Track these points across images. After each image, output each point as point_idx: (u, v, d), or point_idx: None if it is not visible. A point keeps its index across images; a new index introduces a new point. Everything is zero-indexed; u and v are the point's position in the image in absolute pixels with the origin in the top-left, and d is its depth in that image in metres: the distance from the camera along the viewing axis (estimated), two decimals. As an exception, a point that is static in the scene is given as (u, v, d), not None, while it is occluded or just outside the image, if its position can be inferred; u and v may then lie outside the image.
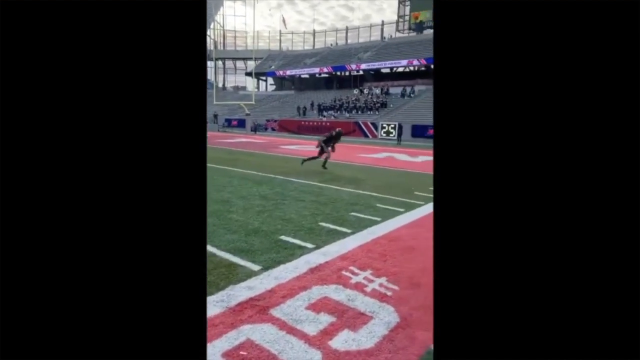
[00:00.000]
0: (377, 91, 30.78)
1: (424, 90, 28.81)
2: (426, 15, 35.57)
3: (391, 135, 22.17)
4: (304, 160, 8.33)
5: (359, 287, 2.51)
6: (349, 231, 3.75)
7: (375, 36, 39.06)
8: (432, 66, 32.29)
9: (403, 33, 37.62)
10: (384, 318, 2.12)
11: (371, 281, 2.62)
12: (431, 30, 34.97)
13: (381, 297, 2.37)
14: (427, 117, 23.64)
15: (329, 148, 8.22)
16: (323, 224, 3.98)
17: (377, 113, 26.72)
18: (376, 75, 34.87)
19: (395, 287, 2.53)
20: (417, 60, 31.16)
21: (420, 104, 26.50)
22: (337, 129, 8.69)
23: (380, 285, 2.56)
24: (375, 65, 33.77)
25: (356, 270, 2.78)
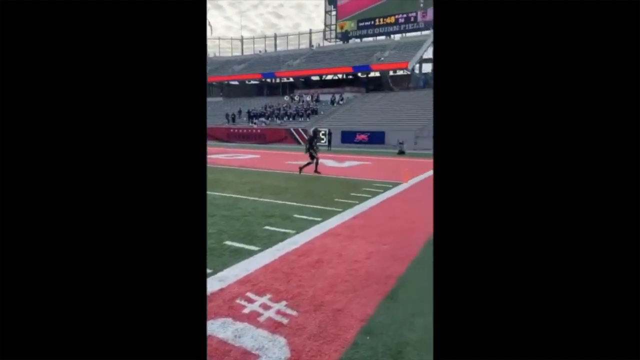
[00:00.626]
0: (308, 98, 31.05)
1: (352, 97, 29.78)
2: (351, 25, 37.00)
3: (322, 141, 22.42)
4: (300, 169, 8.67)
5: (251, 317, 2.19)
6: (256, 249, 3.42)
7: (304, 44, 39.55)
8: (358, 74, 33.83)
9: (330, 42, 38.65)
10: (273, 355, 1.83)
11: (268, 308, 2.31)
12: (357, 40, 36.52)
13: (275, 328, 2.08)
14: (355, 123, 24.39)
15: (313, 151, 8.52)
16: (229, 242, 3.59)
17: (308, 120, 26.88)
18: (306, 83, 35.23)
19: (294, 313, 2.26)
20: (344, 68, 32.13)
21: (349, 111, 27.30)
22: (312, 129, 9.17)
23: (277, 312, 2.27)
24: (304, 72, 34.09)
25: (253, 297, 2.46)
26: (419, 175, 9.00)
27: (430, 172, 9.78)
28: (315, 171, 8.62)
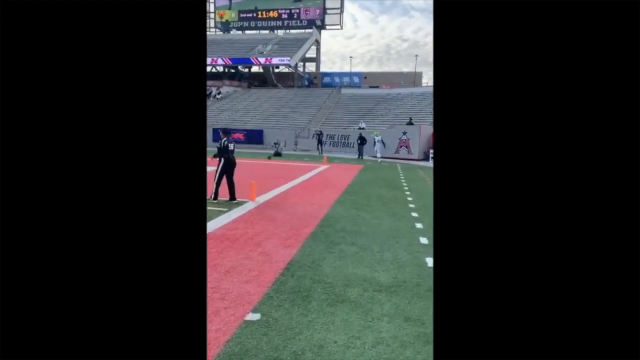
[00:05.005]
0: (180, 91, 26.95)
1: (232, 92, 26.97)
2: (232, 16, 33.95)
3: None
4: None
5: None
6: None
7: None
8: (239, 67, 31.10)
9: (209, 31, 34.86)
10: None
11: None
12: (238, 32, 33.69)
13: None
14: (233, 120, 21.75)
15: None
16: None
17: (177, 116, 23.04)
18: (180, 74, 30.82)
19: None
20: (222, 59, 29.05)
21: (227, 106, 24.47)
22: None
23: None
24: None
25: None
26: (278, 187, 7.06)
27: (294, 182, 7.98)
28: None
